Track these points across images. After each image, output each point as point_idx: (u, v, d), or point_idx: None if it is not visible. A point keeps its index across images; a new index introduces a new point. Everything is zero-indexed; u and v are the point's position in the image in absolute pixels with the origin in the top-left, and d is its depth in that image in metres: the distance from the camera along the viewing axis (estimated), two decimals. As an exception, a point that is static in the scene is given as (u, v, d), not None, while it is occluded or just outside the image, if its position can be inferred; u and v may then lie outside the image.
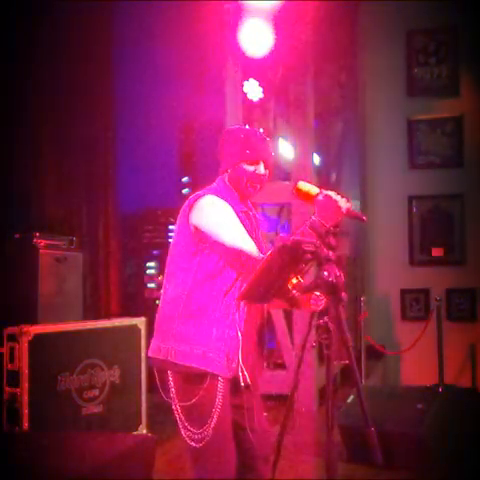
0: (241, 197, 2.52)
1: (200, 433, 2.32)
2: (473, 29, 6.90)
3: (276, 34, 5.71)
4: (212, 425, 2.32)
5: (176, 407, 2.36)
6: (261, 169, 2.49)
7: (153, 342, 2.47)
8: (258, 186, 2.50)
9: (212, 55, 6.05)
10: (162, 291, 2.52)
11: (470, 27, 6.93)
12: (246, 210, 2.52)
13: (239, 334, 2.37)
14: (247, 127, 2.61)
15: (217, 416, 2.33)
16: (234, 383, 2.38)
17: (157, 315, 2.48)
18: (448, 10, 6.93)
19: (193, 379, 2.34)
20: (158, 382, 2.42)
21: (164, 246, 6.88)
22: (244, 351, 2.38)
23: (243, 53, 5.82)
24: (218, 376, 2.34)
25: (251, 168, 2.47)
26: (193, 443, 2.33)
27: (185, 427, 2.35)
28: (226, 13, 5.83)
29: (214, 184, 2.55)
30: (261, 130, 2.62)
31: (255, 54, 5.80)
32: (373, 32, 7.27)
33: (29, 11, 5.25)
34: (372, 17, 7.21)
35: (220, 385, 2.34)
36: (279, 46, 5.71)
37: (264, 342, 2.53)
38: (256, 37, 5.76)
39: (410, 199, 7.16)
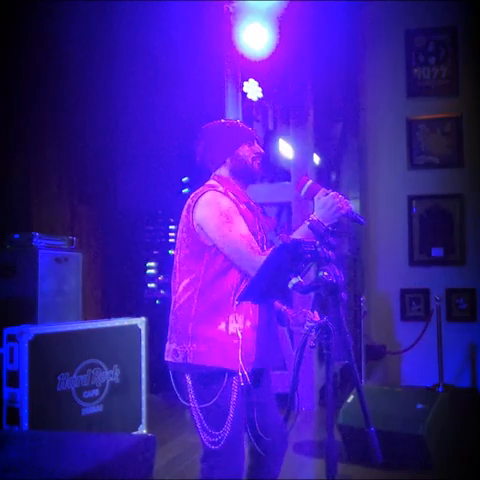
0: (243, 185, 2.54)
1: (220, 434, 2.29)
2: (473, 29, 6.90)
3: (276, 34, 5.71)
4: (229, 425, 2.29)
5: (195, 410, 2.32)
6: (259, 146, 2.56)
7: (169, 346, 2.43)
8: (260, 163, 2.55)
9: (212, 55, 6.05)
10: (172, 294, 2.49)
11: (470, 27, 6.94)
12: (248, 201, 2.52)
13: (254, 328, 2.36)
14: (223, 121, 2.61)
15: (233, 416, 2.30)
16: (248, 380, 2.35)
17: (170, 318, 2.45)
18: (448, 10, 6.94)
19: (212, 379, 2.31)
20: (174, 385, 2.38)
21: (164, 246, 6.86)
22: (260, 344, 2.37)
23: (243, 53, 5.82)
24: (235, 374, 2.32)
25: (251, 148, 2.52)
26: (212, 446, 2.29)
27: (204, 429, 2.31)
28: (226, 13, 5.83)
29: (212, 180, 2.53)
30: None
31: (255, 54, 5.81)
32: (373, 32, 7.28)
33: (29, 9, 5.25)
34: (372, 17, 7.22)
35: (236, 382, 2.32)
36: (279, 46, 5.71)
37: (279, 334, 2.51)
38: (256, 37, 5.76)
39: (410, 199, 7.16)
